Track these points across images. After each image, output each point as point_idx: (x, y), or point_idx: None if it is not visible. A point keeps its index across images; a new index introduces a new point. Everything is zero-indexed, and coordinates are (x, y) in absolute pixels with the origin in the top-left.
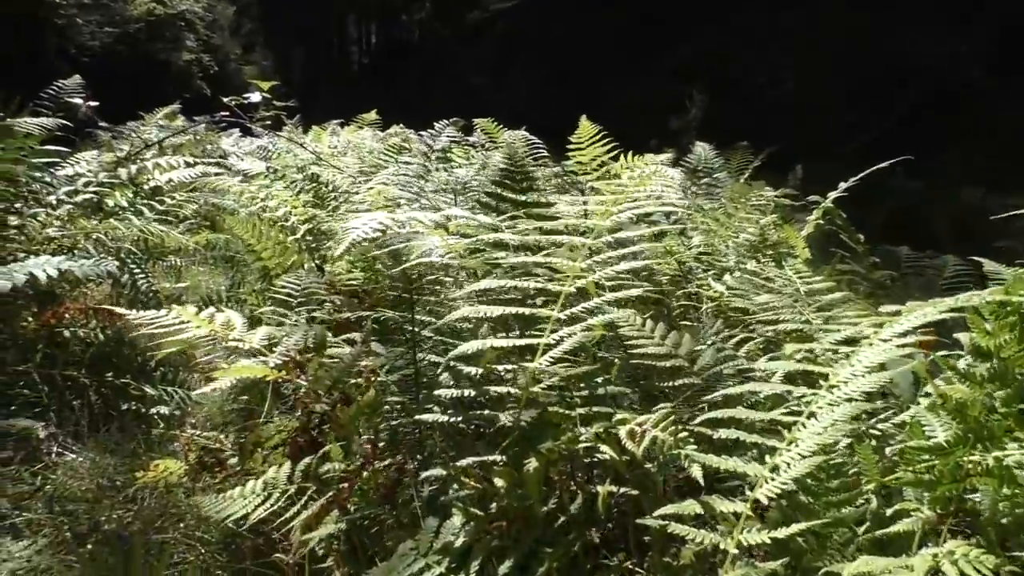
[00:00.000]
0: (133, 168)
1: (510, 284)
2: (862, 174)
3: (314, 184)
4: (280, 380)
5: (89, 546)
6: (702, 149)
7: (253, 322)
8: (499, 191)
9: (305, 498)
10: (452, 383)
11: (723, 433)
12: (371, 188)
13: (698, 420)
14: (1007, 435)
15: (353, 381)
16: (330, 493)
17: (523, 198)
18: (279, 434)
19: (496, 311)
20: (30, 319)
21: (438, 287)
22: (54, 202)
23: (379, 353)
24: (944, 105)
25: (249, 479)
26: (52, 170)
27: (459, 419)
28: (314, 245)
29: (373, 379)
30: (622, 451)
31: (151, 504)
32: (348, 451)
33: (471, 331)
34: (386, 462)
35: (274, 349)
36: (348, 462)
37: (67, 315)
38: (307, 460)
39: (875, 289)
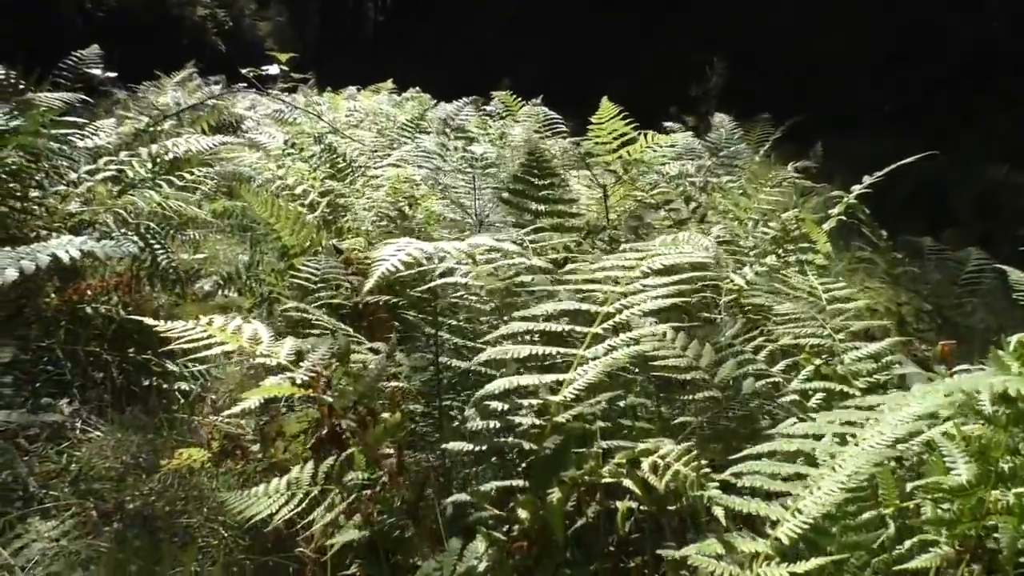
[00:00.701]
0: (153, 147)
1: (539, 328)
2: (887, 169)
3: (331, 156)
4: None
5: (115, 525)
6: (721, 120)
7: (271, 302)
8: (521, 187)
9: (328, 501)
10: (477, 418)
11: (747, 481)
12: (388, 165)
13: (727, 473)
14: None
15: (379, 400)
16: (352, 497)
17: (545, 197)
18: (299, 423)
19: (524, 351)
20: (52, 296)
21: (463, 303)
22: (75, 177)
23: (403, 364)
24: (971, 77)
25: (272, 470)
26: (72, 141)
27: (483, 447)
28: (331, 217)
29: (399, 400)
30: (645, 484)
31: (175, 486)
32: (371, 460)
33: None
34: (410, 475)
35: (300, 364)
36: (371, 471)
37: (89, 292)
38: (329, 461)
39: (894, 284)
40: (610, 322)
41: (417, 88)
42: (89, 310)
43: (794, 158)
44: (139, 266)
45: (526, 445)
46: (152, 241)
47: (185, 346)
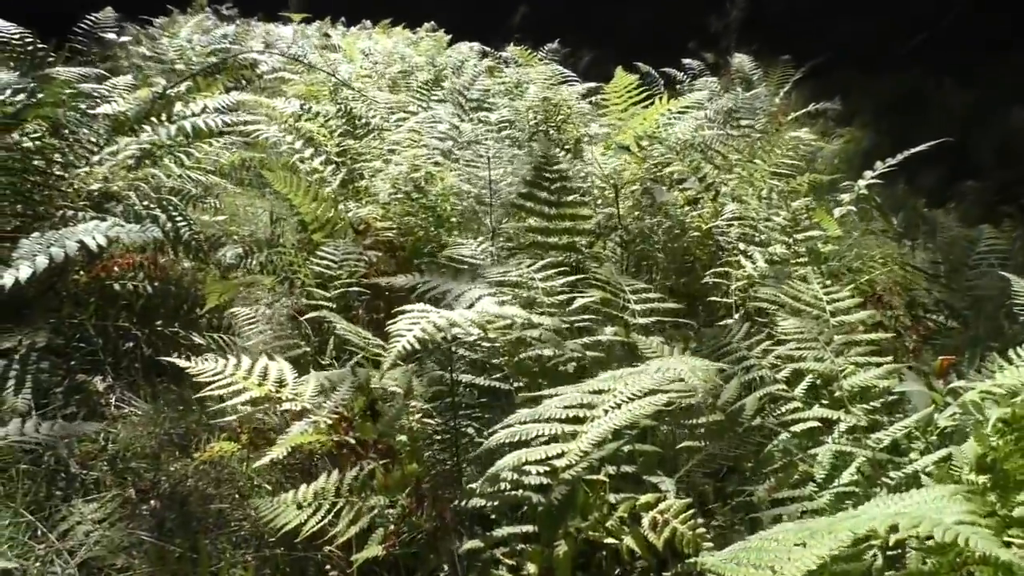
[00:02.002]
0: (172, 127)
1: (553, 413)
2: (900, 156)
3: (347, 116)
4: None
5: (152, 503)
6: (741, 61)
7: (292, 281)
8: (534, 192)
9: (352, 514)
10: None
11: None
12: (404, 136)
13: (724, 552)
14: (1006, 531)
15: (399, 437)
16: (374, 513)
17: (557, 201)
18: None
19: (536, 428)
20: (81, 273)
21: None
22: (97, 157)
23: (419, 389)
24: (1002, 5)
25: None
26: (91, 113)
27: (494, 503)
28: (348, 177)
29: (418, 444)
30: (646, 541)
31: (207, 465)
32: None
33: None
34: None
35: (324, 404)
36: (392, 496)
37: (116, 268)
38: (352, 474)
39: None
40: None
41: (432, 24)
42: (117, 286)
43: (815, 98)
44: (164, 242)
45: (534, 498)
46: (174, 214)
47: (217, 392)
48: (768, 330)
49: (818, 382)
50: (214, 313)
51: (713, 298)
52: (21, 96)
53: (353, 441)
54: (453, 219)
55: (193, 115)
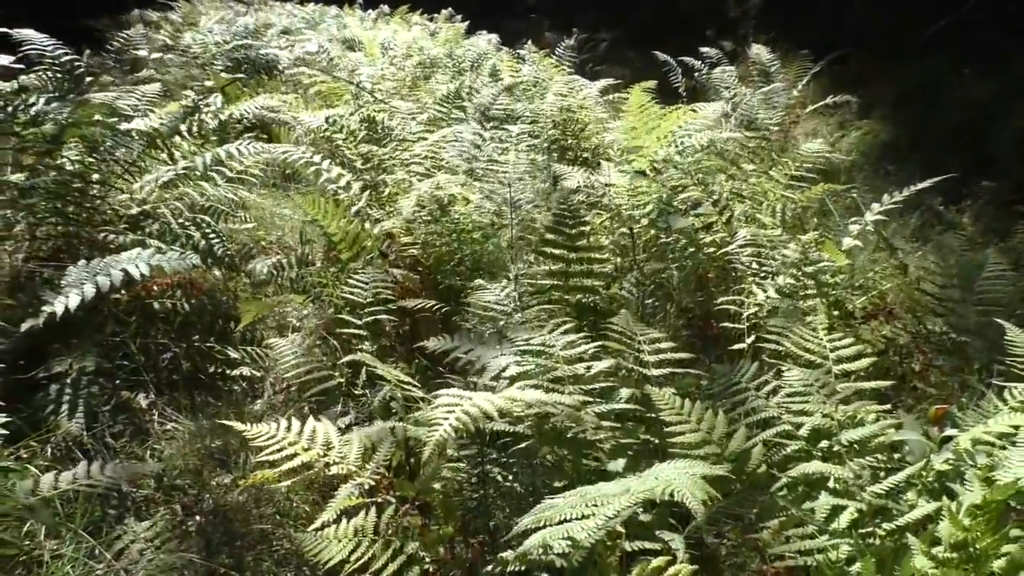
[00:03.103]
0: (208, 156)
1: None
2: (907, 191)
3: (369, 123)
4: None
5: (197, 519)
6: (759, 52)
7: (322, 300)
8: (554, 237)
9: (388, 552)
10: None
11: None
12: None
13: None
14: None
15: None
16: (412, 554)
17: (576, 246)
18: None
19: (559, 531)
20: (122, 293)
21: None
22: (130, 168)
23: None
24: None
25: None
26: (125, 131)
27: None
28: (372, 184)
29: (451, 499)
30: None
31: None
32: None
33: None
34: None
35: (367, 465)
36: (429, 551)
37: (155, 288)
38: (390, 512)
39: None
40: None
41: (450, 10)
42: (156, 305)
43: (833, 88)
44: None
45: (558, 562)
46: (207, 231)
47: (270, 457)
48: (776, 368)
49: (819, 433)
50: (247, 327)
51: (726, 323)
52: (60, 118)
53: (394, 500)
54: (475, 235)
55: (226, 147)
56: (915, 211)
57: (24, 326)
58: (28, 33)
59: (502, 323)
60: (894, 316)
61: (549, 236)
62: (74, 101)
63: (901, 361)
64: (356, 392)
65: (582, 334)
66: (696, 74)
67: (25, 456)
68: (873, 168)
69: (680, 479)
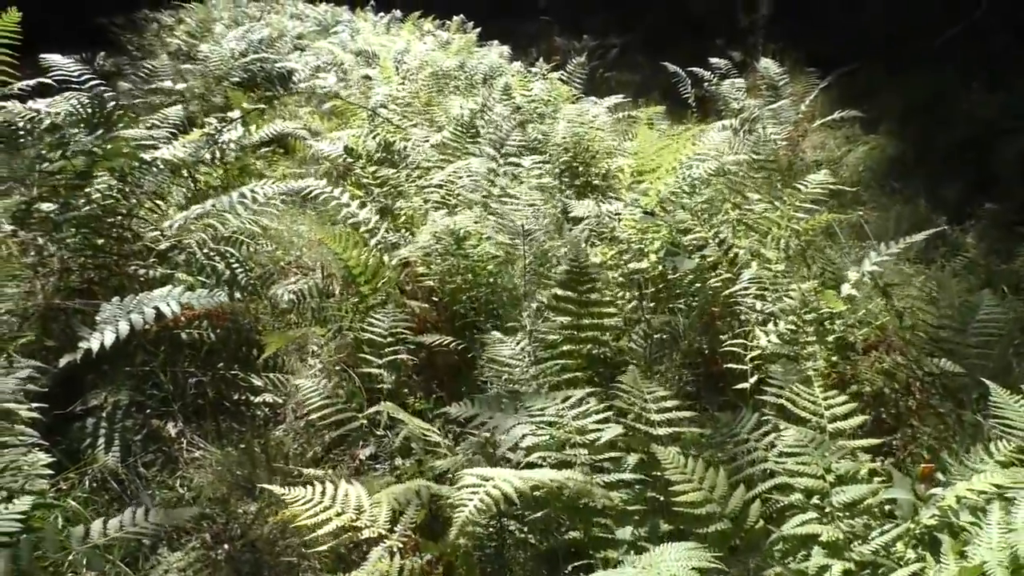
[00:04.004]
0: (235, 195)
1: None
2: (904, 242)
3: (384, 147)
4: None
5: (225, 547)
6: (767, 66)
7: (343, 332)
8: (566, 293)
9: None
10: None
11: None
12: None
13: None
14: None
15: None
16: None
17: (586, 301)
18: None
19: None
20: (152, 324)
21: None
22: (156, 199)
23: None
24: None
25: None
26: (152, 163)
27: None
28: (388, 204)
29: (472, 562)
30: None
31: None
32: None
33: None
34: None
35: (395, 528)
36: None
37: (183, 319)
38: (414, 560)
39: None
40: None
41: (461, 17)
42: (184, 335)
43: (841, 101)
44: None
45: None
46: (232, 261)
47: (308, 522)
48: (775, 423)
49: (813, 491)
50: (270, 355)
51: (731, 364)
52: (91, 150)
53: (422, 561)
54: (489, 266)
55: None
56: (920, 231)
57: (62, 362)
58: (55, 58)
59: (517, 377)
60: (893, 348)
61: (561, 292)
62: (104, 136)
63: (897, 401)
64: (378, 433)
65: (593, 400)
66: (705, 83)
67: (64, 488)
68: (879, 184)
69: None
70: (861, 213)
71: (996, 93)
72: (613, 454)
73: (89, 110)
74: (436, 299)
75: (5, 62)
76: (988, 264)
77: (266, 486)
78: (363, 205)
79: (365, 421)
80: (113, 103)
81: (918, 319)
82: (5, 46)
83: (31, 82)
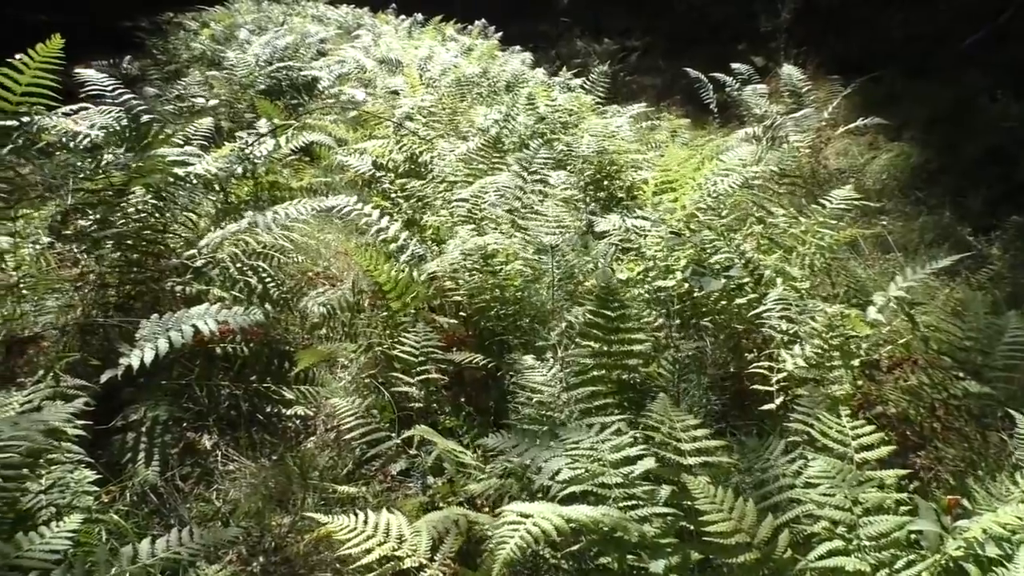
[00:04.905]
0: (267, 216)
1: None
2: (930, 268)
3: (410, 159)
4: None
5: (260, 559)
6: (790, 74)
7: (377, 354)
8: (596, 319)
9: None
10: None
11: None
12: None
13: None
14: None
15: None
16: None
17: (616, 327)
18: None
19: None
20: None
21: None
22: (194, 219)
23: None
24: None
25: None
26: (186, 179)
27: None
28: (415, 217)
29: None
30: None
31: (305, 525)
32: None
33: None
34: None
35: (436, 556)
36: None
37: (217, 334)
38: None
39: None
40: None
41: (483, 22)
42: (218, 350)
43: (864, 108)
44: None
45: None
46: (264, 275)
47: (352, 551)
48: (801, 450)
49: (840, 523)
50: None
51: (757, 385)
52: (127, 167)
53: None
54: (516, 282)
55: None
56: (945, 243)
57: (103, 377)
58: (89, 73)
59: (548, 402)
60: (918, 367)
61: (592, 319)
62: (140, 155)
63: (922, 422)
64: (411, 452)
65: (624, 428)
66: (727, 89)
67: (106, 501)
68: (903, 192)
69: None
70: (884, 223)
71: (1023, 101)
72: (647, 486)
73: (126, 127)
74: (464, 314)
75: (49, 86)
76: (1014, 277)
77: (310, 515)
78: (388, 215)
79: (399, 442)
80: (148, 117)
81: (942, 340)
82: (49, 70)
83: (75, 107)
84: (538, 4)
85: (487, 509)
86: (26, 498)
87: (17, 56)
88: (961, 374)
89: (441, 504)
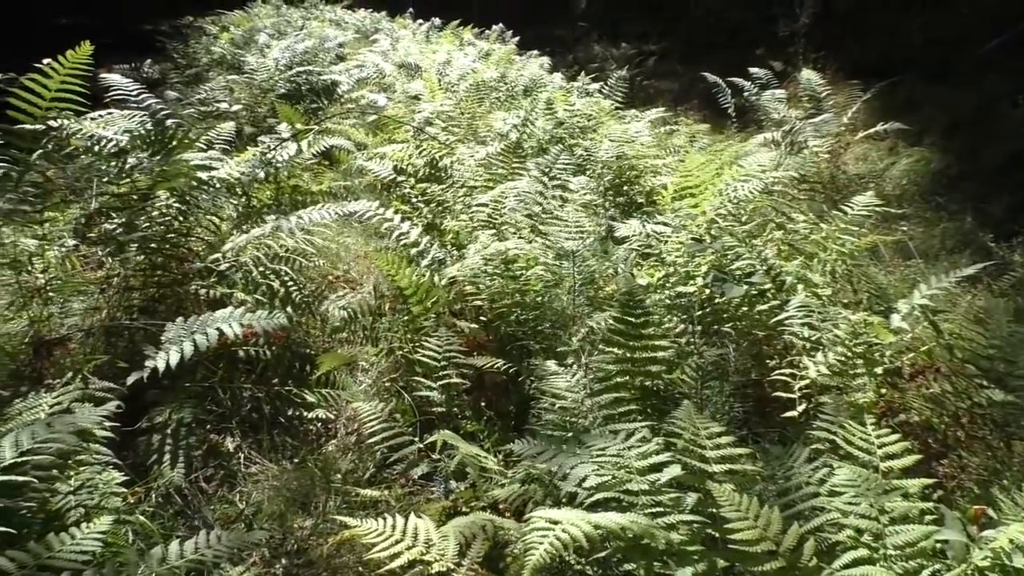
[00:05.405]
0: (291, 221)
1: None
2: (956, 276)
3: (431, 165)
4: None
5: (283, 561)
6: (809, 79)
7: (395, 352)
8: (621, 327)
9: None
10: None
11: None
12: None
13: None
14: None
15: None
16: None
17: (639, 334)
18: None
19: None
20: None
21: None
22: (217, 222)
23: None
24: None
25: None
26: (209, 183)
27: None
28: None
29: None
30: None
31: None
32: None
33: None
34: None
35: (463, 561)
36: None
37: (241, 337)
38: None
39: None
40: None
41: (500, 26)
42: (241, 353)
43: (883, 113)
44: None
45: None
46: (286, 279)
47: (380, 555)
48: (826, 457)
49: (865, 531)
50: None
51: (779, 392)
52: (152, 171)
53: None
54: (537, 287)
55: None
56: (966, 249)
57: (130, 379)
58: (114, 78)
59: (571, 407)
60: (941, 374)
61: (615, 325)
62: (164, 159)
63: (946, 431)
64: (434, 456)
65: (648, 434)
66: (745, 93)
67: (132, 502)
68: (923, 198)
69: None
70: (905, 229)
71: None
72: (673, 494)
73: (151, 132)
74: (484, 319)
75: (78, 91)
76: None
77: (338, 518)
78: (408, 220)
79: (422, 447)
80: (172, 121)
81: (965, 347)
82: (78, 75)
83: (103, 112)
84: (555, 8)
85: (509, 514)
86: (56, 499)
87: (45, 61)
88: (984, 382)
89: (464, 509)
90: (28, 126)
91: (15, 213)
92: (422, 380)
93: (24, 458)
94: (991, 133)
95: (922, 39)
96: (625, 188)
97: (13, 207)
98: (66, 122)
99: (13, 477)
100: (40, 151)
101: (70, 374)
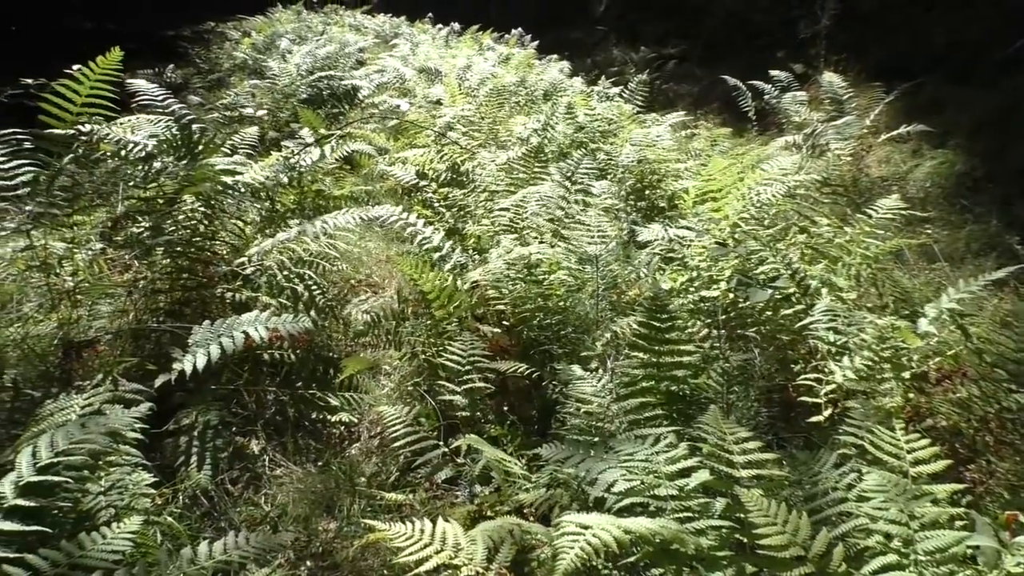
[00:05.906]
0: (317, 225)
1: None
2: (983, 280)
3: (452, 169)
4: None
5: (308, 563)
6: (831, 82)
7: (418, 358)
8: (646, 331)
9: None
10: None
11: None
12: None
13: None
14: None
15: None
16: None
17: (664, 339)
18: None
19: None
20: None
21: None
22: (241, 225)
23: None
24: None
25: None
26: (234, 188)
27: None
28: (457, 226)
29: None
30: None
31: (350, 527)
32: None
33: None
34: None
35: (491, 566)
36: None
37: (267, 340)
38: None
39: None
40: None
41: (519, 30)
42: (266, 356)
43: (906, 115)
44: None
45: None
46: (310, 283)
47: (410, 559)
48: (854, 462)
49: (895, 537)
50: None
51: (805, 397)
52: (179, 176)
53: None
54: (560, 291)
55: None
56: (992, 252)
57: (158, 382)
58: (139, 84)
59: (597, 412)
60: (968, 378)
61: (640, 329)
62: (190, 164)
63: (974, 436)
64: (459, 461)
65: (675, 439)
66: (765, 96)
67: (160, 503)
68: (948, 200)
69: None
70: (929, 232)
71: None
72: (702, 499)
73: (177, 137)
74: (507, 323)
75: (108, 97)
76: None
77: (366, 521)
78: (430, 224)
79: (447, 451)
80: (198, 127)
81: (992, 351)
82: (108, 81)
83: (130, 117)
84: (573, 12)
85: (534, 519)
86: (87, 499)
87: (76, 67)
88: (1013, 386)
89: (489, 513)
90: (59, 131)
91: (45, 216)
92: (445, 384)
93: (58, 459)
94: (1016, 134)
95: (945, 40)
96: (647, 192)
97: (44, 210)
98: (96, 127)
99: (48, 477)
100: (70, 156)
101: (99, 376)
